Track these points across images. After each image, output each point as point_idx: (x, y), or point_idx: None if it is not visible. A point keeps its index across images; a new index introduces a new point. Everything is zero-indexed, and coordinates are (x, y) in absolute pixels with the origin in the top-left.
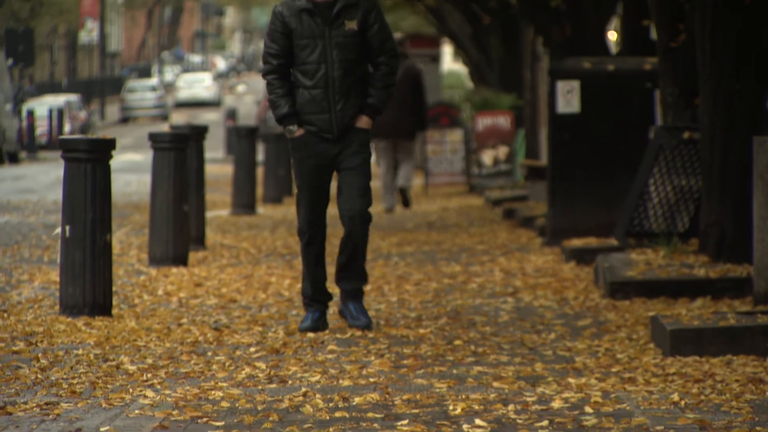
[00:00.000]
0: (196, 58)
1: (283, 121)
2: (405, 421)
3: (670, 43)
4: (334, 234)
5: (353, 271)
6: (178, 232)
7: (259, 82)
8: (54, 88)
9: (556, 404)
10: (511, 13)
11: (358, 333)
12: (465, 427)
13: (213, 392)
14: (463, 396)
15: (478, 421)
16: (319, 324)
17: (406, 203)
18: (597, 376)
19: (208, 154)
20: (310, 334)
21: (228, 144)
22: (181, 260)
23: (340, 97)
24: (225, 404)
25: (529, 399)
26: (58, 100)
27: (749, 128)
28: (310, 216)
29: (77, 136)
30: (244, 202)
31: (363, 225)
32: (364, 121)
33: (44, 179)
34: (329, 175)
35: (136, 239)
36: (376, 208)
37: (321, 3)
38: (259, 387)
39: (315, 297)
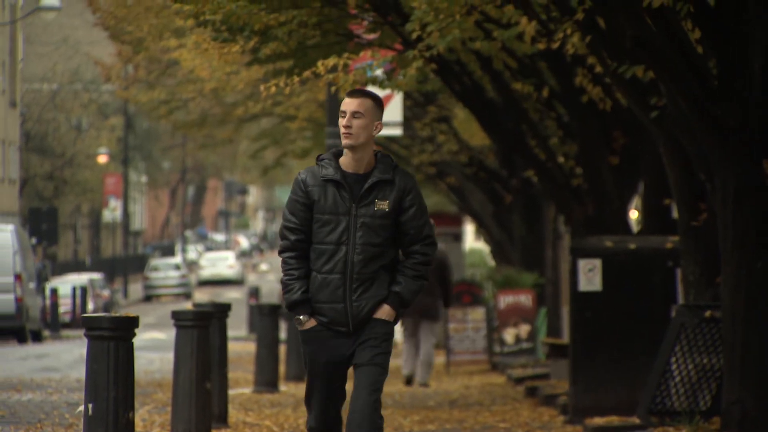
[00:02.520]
0: (219, 237)
1: (293, 309)
2: None
3: (692, 221)
4: None
5: None
6: (201, 410)
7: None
8: (77, 266)
9: None
10: (533, 191)
11: None
12: None
13: None
14: None
15: None
16: None
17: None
18: None
19: (231, 332)
20: None
21: (251, 322)
22: None
23: (358, 286)
24: None
25: None
26: (82, 278)
27: None
28: (323, 416)
29: (100, 314)
30: (266, 379)
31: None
32: (385, 311)
33: (67, 357)
34: (344, 372)
35: (158, 417)
36: (395, 380)
37: (351, 175)
38: None
39: None
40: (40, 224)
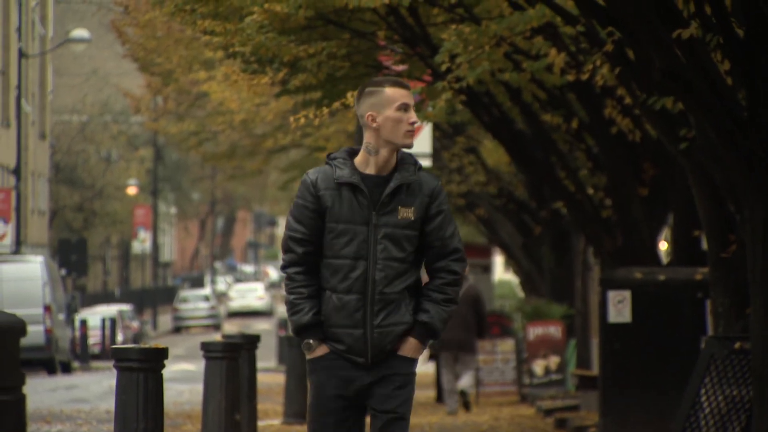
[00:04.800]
0: (248, 268)
1: (301, 333)
2: None
3: (721, 253)
4: None
5: None
6: None
7: None
8: (107, 297)
9: None
10: (562, 223)
11: None
12: None
13: None
14: None
15: None
16: None
17: (466, 406)
18: None
19: (260, 363)
20: None
21: (280, 353)
22: None
23: (380, 309)
24: None
25: None
26: (111, 309)
27: None
28: None
29: (130, 345)
30: (295, 411)
31: None
32: (411, 347)
33: (97, 389)
34: (358, 413)
35: None
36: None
37: (370, 177)
38: None
39: None
40: (69, 255)
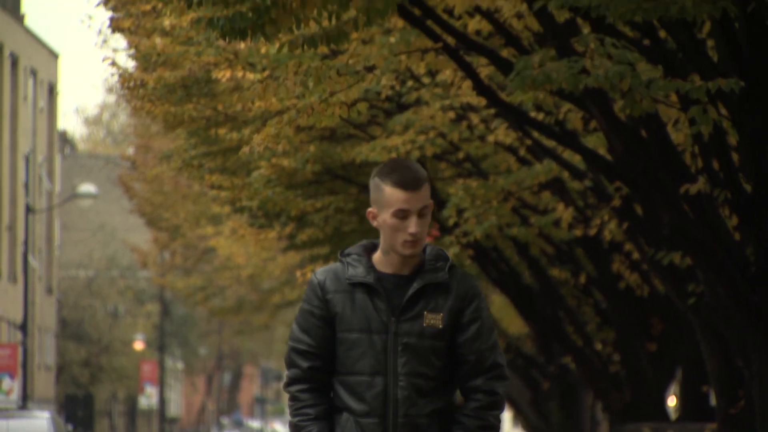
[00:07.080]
0: (255, 423)
1: None
2: None
3: (730, 409)
4: None
5: None
6: None
7: None
8: None
9: None
10: (571, 378)
11: None
12: None
13: None
14: None
15: None
16: None
17: None
18: None
19: None
20: None
21: None
22: None
23: None
24: None
25: None
26: None
27: None
28: None
29: None
30: None
31: None
32: None
33: None
34: None
35: None
36: None
37: (389, 277)
38: None
39: None
40: (76, 411)
